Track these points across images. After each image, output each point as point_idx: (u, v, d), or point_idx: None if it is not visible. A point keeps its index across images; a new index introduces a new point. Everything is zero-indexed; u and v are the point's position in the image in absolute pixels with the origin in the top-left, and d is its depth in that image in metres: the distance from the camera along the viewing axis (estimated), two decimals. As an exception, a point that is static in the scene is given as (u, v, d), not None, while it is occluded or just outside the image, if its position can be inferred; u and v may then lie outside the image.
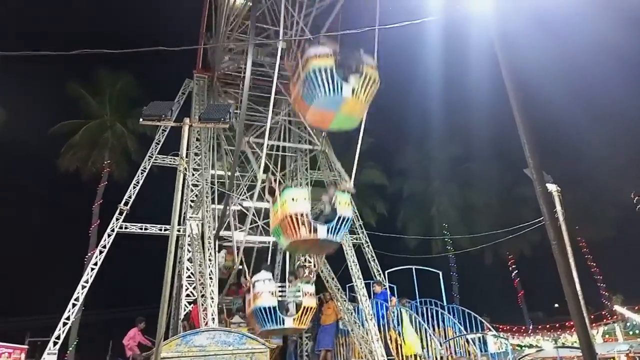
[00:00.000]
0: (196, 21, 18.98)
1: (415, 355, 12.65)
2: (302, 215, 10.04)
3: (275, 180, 12.21)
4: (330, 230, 10.26)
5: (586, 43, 24.05)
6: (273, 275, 15.94)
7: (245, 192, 17.58)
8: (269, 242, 17.54)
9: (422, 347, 12.69)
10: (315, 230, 10.07)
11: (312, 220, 10.11)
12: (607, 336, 21.01)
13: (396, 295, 15.46)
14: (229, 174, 15.47)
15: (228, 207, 14.42)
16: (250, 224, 15.24)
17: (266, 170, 14.04)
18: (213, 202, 15.56)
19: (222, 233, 15.87)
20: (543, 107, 24.78)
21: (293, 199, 10.19)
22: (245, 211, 16.82)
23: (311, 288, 12.18)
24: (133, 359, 13.10)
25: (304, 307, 11.57)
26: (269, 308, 11.19)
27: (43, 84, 27.04)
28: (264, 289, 11.33)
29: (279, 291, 11.72)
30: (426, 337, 12.76)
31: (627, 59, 26.13)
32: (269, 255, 18.13)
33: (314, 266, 14.69)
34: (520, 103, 6.83)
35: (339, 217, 10.36)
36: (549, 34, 24.34)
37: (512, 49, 7.75)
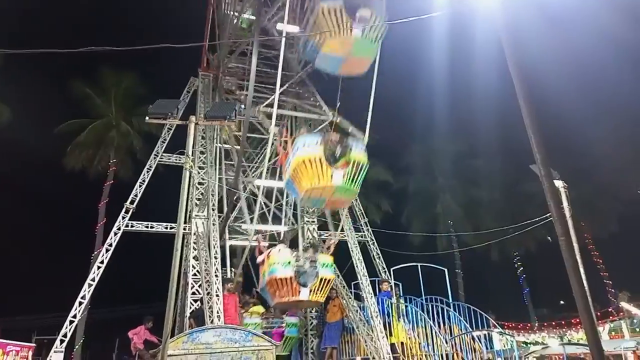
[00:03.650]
0: (203, 19, 18.98)
1: (402, 343, 13.01)
2: (315, 159, 9.68)
3: (286, 129, 11.72)
4: (346, 176, 9.81)
5: (592, 38, 23.92)
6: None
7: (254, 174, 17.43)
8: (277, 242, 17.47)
9: (411, 338, 12.88)
10: (331, 177, 9.69)
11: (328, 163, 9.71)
12: (613, 333, 20.92)
13: (401, 293, 15.46)
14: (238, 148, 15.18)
15: (239, 190, 14.16)
16: (260, 209, 15.00)
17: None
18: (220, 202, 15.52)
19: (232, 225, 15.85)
20: (549, 102, 24.61)
21: (305, 145, 9.89)
22: (255, 192, 16.50)
23: (330, 259, 11.77)
24: (140, 356, 13.16)
25: (322, 279, 11.14)
26: (285, 279, 10.79)
27: (48, 83, 27.21)
28: (279, 259, 10.86)
29: (296, 262, 11.11)
30: (432, 334, 12.76)
31: (632, 54, 25.98)
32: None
33: (333, 237, 14.37)
34: (527, 98, 6.81)
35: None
36: (555, 29, 24.19)
37: (519, 44, 7.70)
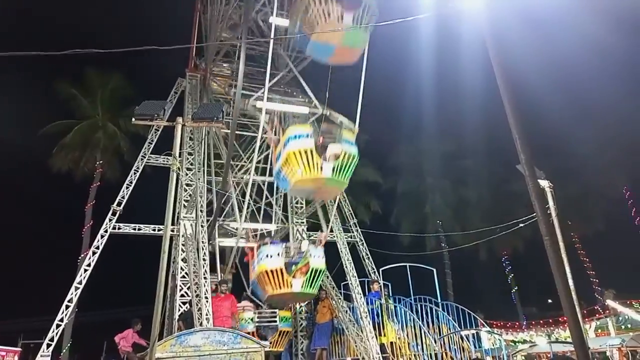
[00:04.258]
0: (188, 20, 18.90)
1: (392, 343, 13.08)
2: (305, 151, 9.69)
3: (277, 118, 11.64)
4: (335, 169, 9.86)
5: (576, 40, 24.25)
6: None
7: (237, 192, 17.47)
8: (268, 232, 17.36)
9: (399, 338, 12.94)
10: (321, 169, 9.73)
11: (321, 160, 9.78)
12: (599, 330, 21.21)
13: (390, 293, 15.51)
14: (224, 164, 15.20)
15: (229, 190, 14.07)
16: (248, 207, 14.98)
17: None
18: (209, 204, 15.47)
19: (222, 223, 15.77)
20: (534, 103, 24.98)
21: (296, 137, 9.91)
22: (244, 191, 16.49)
23: (320, 251, 11.72)
24: (128, 359, 13.06)
25: (313, 269, 11.09)
26: (275, 270, 10.75)
27: (33, 84, 26.85)
28: (268, 251, 10.79)
29: (285, 253, 11.20)
30: (421, 333, 12.82)
31: (616, 55, 26.39)
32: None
33: (323, 231, 14.35)
34: (512, 100, 6.89)
35: (345, 155, 9.91)
36: (539, 32, 24.53)
37: (504, 46, 7.79)
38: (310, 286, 11.13)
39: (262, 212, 17.67)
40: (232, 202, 16.39)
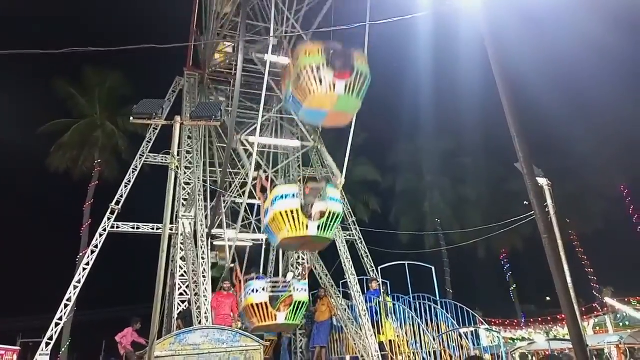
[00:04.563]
0: (186, 18, 18.87)
1: (390, 341, 13.22)
2: (292, 211, 9.96)
3: (267, 178, 12.17)
4: (320, 227, 10.20)
5: (574, 39, 24.30)
6: (266, 273, 15.94)
7: (237, 189, 17.53)
8: (261, 240, 17.53)
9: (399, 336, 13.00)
10: (307, 227, 10.02)
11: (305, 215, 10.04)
12: (598, 328, 21.26)
13: (389, 291, 15.54)
14: (221, 170, 15.41)
15: (220, 205, 14.38)
16: (243, 221, 15.23)
17: (258, 167, 13.95)
18: (205, 200, 15.54)
19: (215, 231, 15.83)
20: (532, 102, 24.97)
21: (283, 197, 10.15)
22: (237, 208, 16.81)
23: (303, 284, 12.20)
24: (127, 358, 13.06)
25: (297, 302, 11.54)
26: (261, 304, 11.21)
27: (31, 83, 26.84)
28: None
29: (271, 287, 11.65)
30: (420, 331, 12.85)
31: (614, 54, 26.42)
32: (262, 253, 18.13)
33: (307, 263, 14.70)
34: (510, 98, 6.89)
35: (330, 213, 10.26)
36: (537, 30, 24.55)
37: (502, 44, 7.79)
38: (293, 318, 11.66)
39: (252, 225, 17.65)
40: (221, 218, 16.32)
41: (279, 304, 11.45)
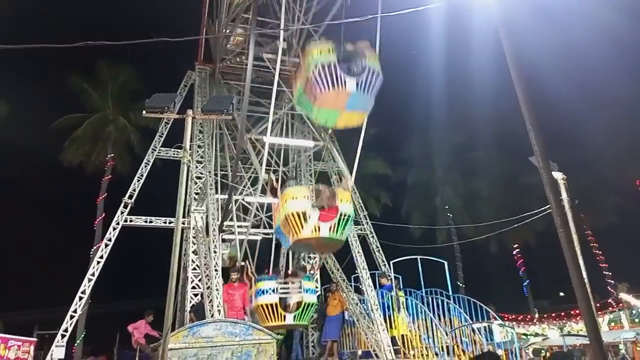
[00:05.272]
0: (197, 12, 18.89)
1: (402, 336, 13.32)
2: (303, 213, 9.92)
3: (277, 179, 12.18)
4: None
5: (588, 31, 23.86)
6: (277, 268, 15.95)
7: (248, 186, 17.57)
8: (272, 235, 17.55)
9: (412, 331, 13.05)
10: (318, 229, 9.97)
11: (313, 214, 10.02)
12: (612, 324, 20.99)
13: (401, 286, 15.49)
14: (232, 165, 15.44)
15: (231, 201, 14.40)
16: (254, 217, 15.27)
17: (269, 165, 13.92)
18: (216, 193, 15.59)
19: (226, 224, 15.86)
20: (546, 94, 24.56)
21: (294, 198, 10.12)
22: (248, 206, 16.87)
23: (312, 284, 12.26)
24: (140, 350, 13.20)
25: (305, 304, 11.64)
26: (271, 305, 11.36)
27: (44, 78, 27.05)
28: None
29: (281, 288, 11.77)
30: (432, 326, 12.80)
31: (630, 46, 25.92)
32: (273, 248, 18.15)
33: (317, 261, 14.68)
34: (525, 90, 6.78)
35: (341, 214, 10.19)
36: (552, 21, 24.12)
37: (516, 36, 7.66)
38: (302, 319, 11.77)
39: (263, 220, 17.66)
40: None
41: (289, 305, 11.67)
